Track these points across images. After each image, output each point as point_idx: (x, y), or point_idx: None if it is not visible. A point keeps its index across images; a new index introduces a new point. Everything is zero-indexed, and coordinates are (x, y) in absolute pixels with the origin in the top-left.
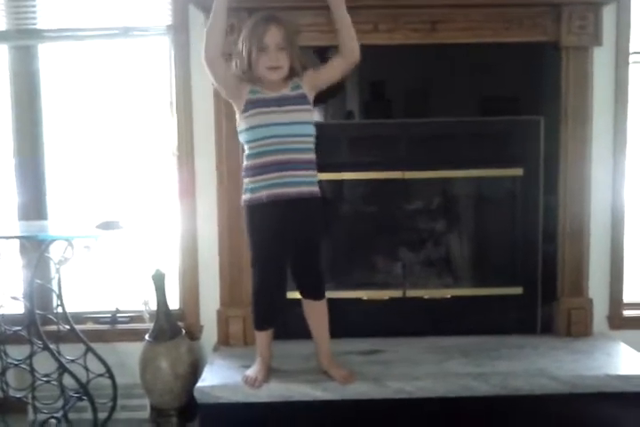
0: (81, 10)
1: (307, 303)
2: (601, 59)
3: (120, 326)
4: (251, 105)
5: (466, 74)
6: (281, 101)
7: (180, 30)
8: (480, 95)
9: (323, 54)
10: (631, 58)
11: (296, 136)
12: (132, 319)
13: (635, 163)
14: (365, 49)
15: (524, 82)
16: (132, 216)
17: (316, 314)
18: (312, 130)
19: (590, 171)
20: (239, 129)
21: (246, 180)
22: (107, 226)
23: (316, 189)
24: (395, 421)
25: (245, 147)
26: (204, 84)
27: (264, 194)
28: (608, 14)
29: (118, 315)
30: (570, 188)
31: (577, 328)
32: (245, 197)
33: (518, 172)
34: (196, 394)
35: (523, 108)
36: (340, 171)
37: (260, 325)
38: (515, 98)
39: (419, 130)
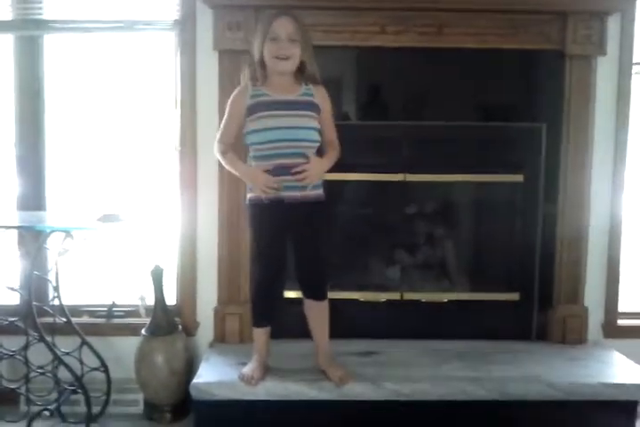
0: (87, 1)
1: (308, 303)
2: (604, 68)
3: (116, 321)
4: (253, 110)
5: (470, 79)
6: (291, 105)
7: (186, 26)
8: (483, 100)
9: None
10: (634, 68)
11: (301, 141)
12: (128, 314)
13: (634, 172)
14: (368, 51)
15: (528, 88)
16: (132, 210)
17: (317, 314)
18: (317, 136)
19: (590, 179)
20: (244, 131)
21: None
22: (107, 219)
23: (320, 192)
24: (390, 422)
25: (250, 148)
26: (209, 79)
27: (268, 196)
28: (612, 24)
29: (114, 309)
30: (569, 195)
31: (572, 336)
32: (250, 195)
33: (519, 178)
34: (192, 391)
35: (525, 114)
36: (340, 172)
37: (259, 321)
38: (518, 104)
39: (421, 133)
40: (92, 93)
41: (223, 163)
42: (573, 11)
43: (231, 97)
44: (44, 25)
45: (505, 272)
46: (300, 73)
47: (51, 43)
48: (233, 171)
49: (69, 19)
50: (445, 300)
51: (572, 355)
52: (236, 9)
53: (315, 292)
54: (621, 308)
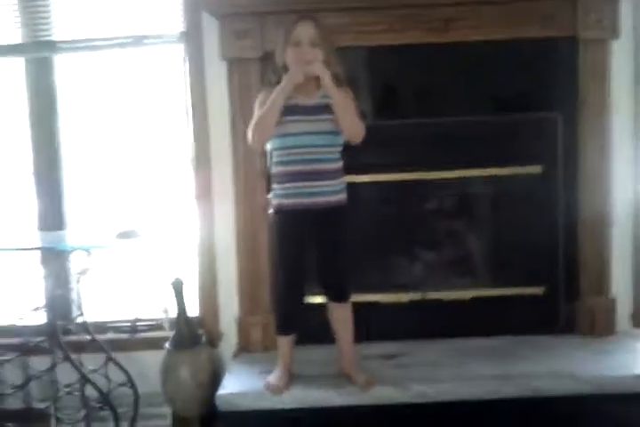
0: (94, 20)
1: (331, 306)
2: (618, 52)
3: (140, 335)
4: (284, 111)
5: (481, 72)
6: (313, 110)
7: (193, 37)
8: (497, 93)
9: None
10: None
11: (325, 146)
12: (151, 328)
13: None
14: (377, 49)
15: (541, 78)
16: (149, 224)
17: (341, 316)
18: (341, 139)
19: (610, 166)
20: None
21: (275, 186)
22: (125, 235)
23: (343, 196)
24: (418, 425)
25: (273, 153)
26: (219, 88)
27: (290, 202)
28: (625, 6)
29: (138, 324)
30: (590, 184)
31: (600, 327)
32: (274, 201)
33: (537, 169)
34: (218, 402)
35: (540, 104)
36: (356, 173)
37: (283, 329)
38: (532, 95)
39: (435, 130)
40: (105, 110)
41: (262, 116)
42: None
43: (259, 96)
44: (54, 46)
45: (528, 266)
46: None
47: (61, 63)
48: (272, 102)
49: (78, 38)
50: (469, 297)
51: (602, 347)
52: (241, 17)
53: (337, 294)
54: None
